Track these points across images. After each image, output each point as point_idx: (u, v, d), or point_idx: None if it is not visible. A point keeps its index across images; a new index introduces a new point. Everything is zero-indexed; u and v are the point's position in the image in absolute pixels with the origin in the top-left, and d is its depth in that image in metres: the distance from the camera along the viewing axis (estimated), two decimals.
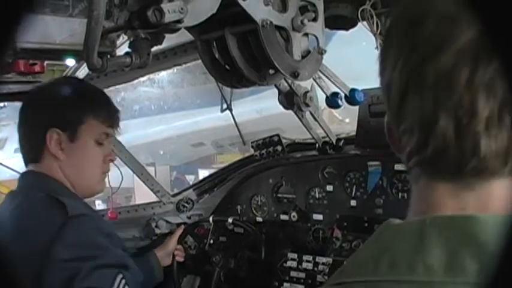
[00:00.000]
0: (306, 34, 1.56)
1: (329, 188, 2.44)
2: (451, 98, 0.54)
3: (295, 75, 1.52)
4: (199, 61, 1.69)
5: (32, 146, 1.61)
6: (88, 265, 1.36)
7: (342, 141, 2.40)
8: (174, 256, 2.45)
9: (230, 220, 2.51)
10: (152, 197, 2.73)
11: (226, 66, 1.63)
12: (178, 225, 2.68)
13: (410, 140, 0.60)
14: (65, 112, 1.60)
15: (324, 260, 2.27)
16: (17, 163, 2.16)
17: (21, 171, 1.70)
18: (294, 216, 2.47)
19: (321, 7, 1.58)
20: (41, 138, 1.58)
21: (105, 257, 1.41)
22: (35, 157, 1.61)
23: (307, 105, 2.12)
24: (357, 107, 2.25)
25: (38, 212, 1.50)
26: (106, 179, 1.80)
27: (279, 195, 2.64)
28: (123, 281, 1.41)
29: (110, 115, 1.70)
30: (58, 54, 1.35)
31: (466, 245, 0.54)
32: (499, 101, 0.53)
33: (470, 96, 0.54)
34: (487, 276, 0.48)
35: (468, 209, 0.59)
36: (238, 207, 2.76)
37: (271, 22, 1.44)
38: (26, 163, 1.65)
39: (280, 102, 2.19)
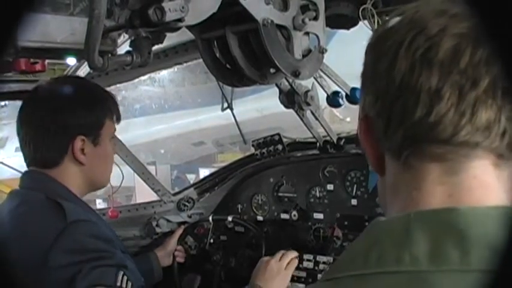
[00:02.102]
0: (307, 33, 1.56)
1: (330, 187, 2.44)
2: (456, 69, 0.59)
3: (296, 74, 1.52)
4: (200, 60, 1.69)
5: (51, 152, 1.57)
6: (88, 265, 1.36)
7: (343, 141, 2.40)
8: (174, 256, 2.45)
9: (230, 218, 2.51)
10: (153, 196, 2.73)
11: (227, 65, 1.63)
12: (179, 224, 2.69)
13: (412, 109, 0.62)
14: (87, 117, 1.59)
15: (324, 259, 2.27)
16: (17, 162, 2.16)
17: (22, 170, 1.68)
18: (294, 215, 2.47)
19: (322, 6, 1.57)
20: (64, 144, 1.56)
21: (105, 259, 1.40)
22: (53, 163, 1.58)
23: (308, 104, 2.12)
24: (357, 106, 2.25)
25: (36, 216, 1.48)
26: None
27: (280, 194, 2.64)
28: (126, 277, 1.40)
29: (118, 111, 1.73)
30: (59, 53, 1.34)
31: (448, 235, 0.58)
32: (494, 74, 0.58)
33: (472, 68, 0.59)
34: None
35: (455, 195, 0.62)
36: (239, 206, 2.76)
37: (272, 21, 1.44)
38: (35, 165, 1.59)
39: (281, 101, 2.19)
